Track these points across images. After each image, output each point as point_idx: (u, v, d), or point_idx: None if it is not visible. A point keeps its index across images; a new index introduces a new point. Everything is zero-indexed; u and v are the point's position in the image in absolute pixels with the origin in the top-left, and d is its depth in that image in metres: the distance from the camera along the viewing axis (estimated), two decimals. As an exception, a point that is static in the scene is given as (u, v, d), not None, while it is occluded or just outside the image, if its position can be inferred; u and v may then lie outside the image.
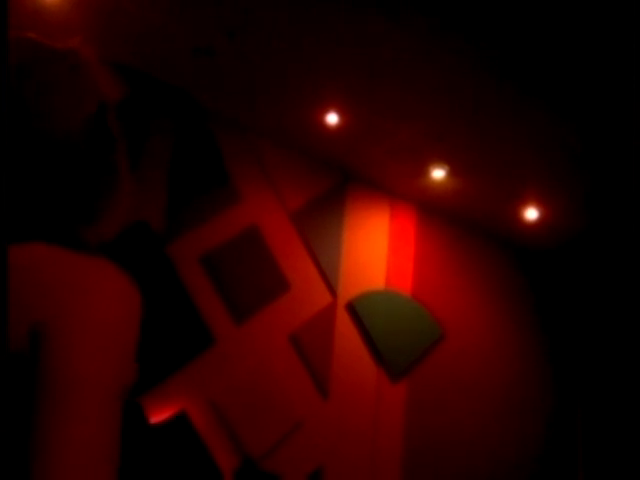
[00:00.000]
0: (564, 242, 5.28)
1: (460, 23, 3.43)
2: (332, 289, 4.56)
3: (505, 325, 5.26)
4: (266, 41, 3.68)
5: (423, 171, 4.64)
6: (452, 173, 4.62)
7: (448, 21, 3.43)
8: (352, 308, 4.59)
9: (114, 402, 0.74)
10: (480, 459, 4.82)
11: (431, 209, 5.10)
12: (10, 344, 0.70)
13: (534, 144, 4.26)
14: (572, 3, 3.21)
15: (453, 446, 4.74)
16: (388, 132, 4.32)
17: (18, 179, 0.81)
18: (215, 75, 3.98)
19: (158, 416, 3.71)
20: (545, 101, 3.89)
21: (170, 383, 3.80)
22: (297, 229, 4.52)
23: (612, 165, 4.32)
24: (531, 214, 4.89)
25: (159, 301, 3.87)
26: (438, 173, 4.62)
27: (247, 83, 4.03)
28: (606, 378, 5.18)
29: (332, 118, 4.23)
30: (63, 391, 0.70)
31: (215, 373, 3.98)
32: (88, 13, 3.51)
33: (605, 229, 4.99)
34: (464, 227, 5.23)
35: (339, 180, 4.78)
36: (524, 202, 4.84)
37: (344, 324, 4.54)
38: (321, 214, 4.65)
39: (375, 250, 4.83)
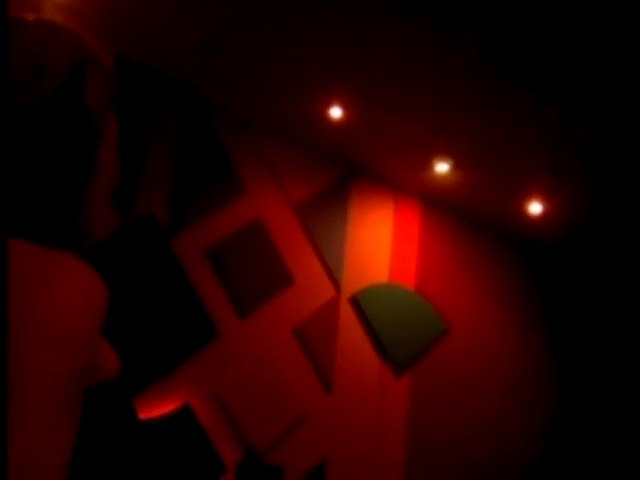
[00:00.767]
0: (568, 236, 5.27)
1: (463, 18, 3.42)
2: (336, 283, 4.56)
3: (509, 319, 5.27)
4: (269, 35, 3.68)
5: (427, 165, 4.64)
6: (456, 167, 4.62)
7: (452, 16, 3.42)
8: (356, 302, 4.60)
9: (67, 392, 0.74)
10: (483, 453, 4.83)
11: (435, 203, 5.09)
12: None
13: (538, 138, 4.25)
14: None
15: (456, 440, 4.74)
16: (392, 126, 4.31)
17: None
18: (219, 69, 3.98)
19: (162, 409, 3.72)
20: (549, 95, 3.88)
21: (174, 376, 3.81)
22: (301, 223, 4.52)
23: (616, 159, 4.31)
24: (535, 208, 4.89)
25: (164, 294, 3.88)
26: (442, 167, 4.62)
27: (251, 77, 4.02)
28: (610, 374, 5.18)
29: (336, 112, 4.22)
30: (18, 387, 0.70)
31: (219, 366, 3.98)
32: (93, 7, 3.51)
33: (609, 223, 4.98)
34: (468, 221, 5.23)
35: (343, 174, 4.78)
36: (528, 196, 4.84)
37: (348, 318, 4.55)
38: (325, 208, 4.65)
39: (379, 244, 4.83)
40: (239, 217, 4.28)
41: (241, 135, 4.40)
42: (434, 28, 3.52)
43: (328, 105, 4.19)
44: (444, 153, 4.53)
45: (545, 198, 4.83)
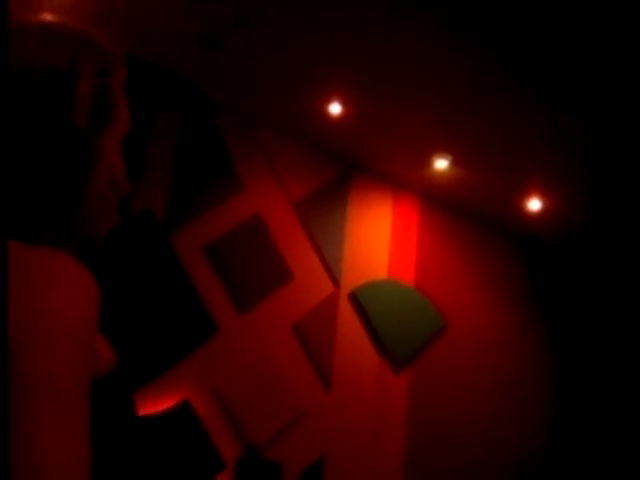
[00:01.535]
0: (567, 233, 5.27)
1: (464, 15, 3.42)
2: (335, 279, 4.56)
3: (508, 316, 5.27)
4: (270, 32, 3.67)
5: (426, 161, 4.64)
6: (455, 163, 4.62)
7: (452, 13, 3.41)
8: (355, 298, 4.60)
9: (76, 394, 0.73)
10: (482, 450, 4.83)
11: (434, 199, 5.09)
12: None
13: (538, 134, 4.25)
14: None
15: (455, 436, 4.75)
16: (391, 122, 4.31)
17: None
18: (219, 66, 3.97)
19: (161, 405, 3.72)
20: (549, 92, 3.87)
21: (173, 372, 3.81)
22: (300, 219, 4.52)
23: (616, 156, 4.31)
24: (534, 205, 4.89)
25: (163, 290, 3.88)
26: (441, 163, 4.62)
27: (251, 74, 4.02)
28: (609, 370, 5.19)
29: (335, 108, 4.22)
30: (22, 388, 0.70)
31: (218, 362, 3.99)
32: (94, 3, 3.50)
33: (609, 220, 4.98)
34: (467, 217, 5.23)
35: (342, 170, 4.78)
36: (527, 193, 4.84)
37: (347, 314, 4.55)
38: (324, 204, 4.65)
39: (378, 240, 4.83)
40: (238, 213, 4.28)
41: (241, 131, 4.39)
42: (434, 25, 3.52)
43: (327, 101, 4.18)
44: (443, 149, 4.53)
45: (545, 194, 4.83)
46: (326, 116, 4.29)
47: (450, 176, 4.76)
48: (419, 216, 5.04)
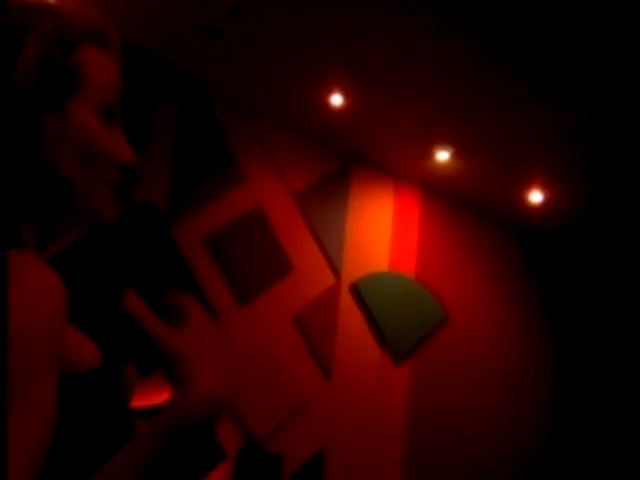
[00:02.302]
0: (569, 225, 5.27)
1: (464, 7, 3.41)
2: (336, 270, 4.56)
3: (508, 308, 5.27)
4: (270, 23, 3.66)
5: (427, 153, 4.63)
6: (456, 155, 4.61)
7: (452, 5, 3.40)
8: (356, 289, 4.60)
9: (38, 390, 0.74)
10: (482, 442, 4.84)
11: (435, 191, 5.09)
12: None
13: (538, 127, 4.24)
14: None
15: (455, 429, 4.75)
16: (393, 114, 4.30)
17: None
18: (219, 57, 3.96)
19: (160, 397, 3.73)
20: (549, 84, 3.87)
21: (174, 363, 3.81)
22: (301, 210, 4.51)
23: (617, 148, 4.30)
24: (536, 197, 4.88)
25: (163, 282, 3.87)
26: (442, 155, 4.61)
27: (252, 65, 4.01)
28: (608, 363, 5.19)
29: (336, 99, 4.21)
30: None
31: (219, 354, 3.98)
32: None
33: (610, 212, 4.97)
34: (468, 209, 5.23)
35: (343, 162, 4.77)
36: (529, 185, 4.83)
37: (348, 305, 4.55)
38: (325, 196, 4.64)
39: (379, 232, 4.83)
40: (239, 205, 4.28)
41: (242, 123, 4.39)
42: (436, 18, 3.51)
43: (329, 92, 4.17)
44: (444, 141, 4.52)
45: (546, 187, 4.82)
46: (327, 107, 4.28)
47: (451, 168, 4.75)
48: (420, 208, 5.04)
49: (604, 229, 5.19)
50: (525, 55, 3.69)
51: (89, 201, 0.92)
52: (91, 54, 0.93)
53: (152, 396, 3.70)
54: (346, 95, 4.18)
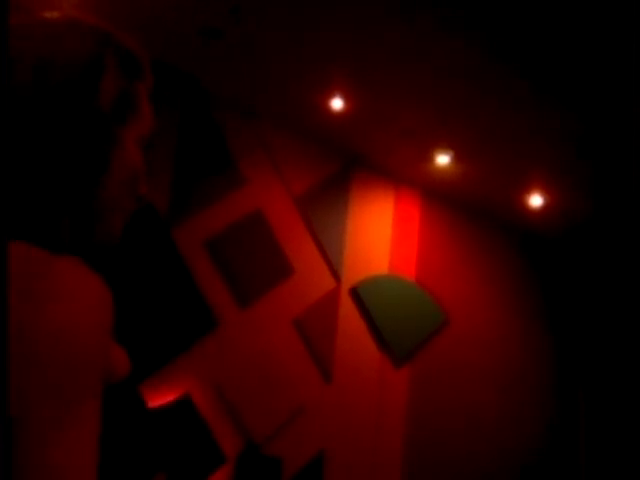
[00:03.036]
0: (569, 229, 5.27)
1: (465, 9, 3.41)
2: (336, 274, 4.56)
3: (509, 311, 5.27)
4: (271, 26, 3.67)
5: (428, 156, 4.63)
6: (457, 159, 4.61)
7: (453, 7, 3.41)
8: (356, 293, 4.60)
9: (82, 404, 0.72)
10: (482, 444, 4.84)
11: (435, 194, 5.09)
12: None
13: (539, 130, 4.24)
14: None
15: (455, 431, 4.75)
16: (393, 117, 4.30)
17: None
18: (220, 59, 3.97)
19: (162, 399, 3.73)
20: (549, 87, 3.87)
21: (174, 366, 3.82)
22: (301, 214, 4.52)
23: (616, 151, 4.30)
24: (536, 201, 4.89)
25: (164, 284, 3.88)
26: (443, 159, 4.61)
27: (252, 68, 4.01)
28: (609, 366, 5.19)
29: (337, 103, 4.21)
30: (22, 398, 0.69)
31: (219, 357, 3.99)
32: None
33: (610, 216, 4.97)
34: (468, 213, 5.23)
35: (344, 165, 4.77)
36: (529, 188, 4.84)
37: (348, 309, 4.55)
38: (325, 199, 4.65)
39: (379, 235, 4.83)
40: (239, 208, 4.28)
41: (242, 125, 4.39)
42: (436, 21, 3.51)
43: (329, 96, 4.18)
44: (445, 145, 4.52)
45: (546, 190, 4.82)
46: (328, 111, 4.28)
47: (451, 172, 4.75)
48: (420, 211, 5.04)
49: (604, 232, 5.19)
50: (526, 57, 3.69)
51: (107, 223, 0.92)
52: (142, 88, 0.98)
53: (157, 396, 3.70)
54: (346, 98, 4.18)
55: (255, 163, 4.40)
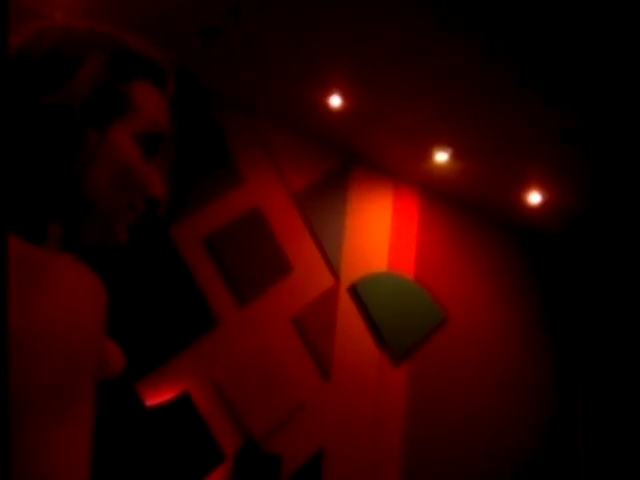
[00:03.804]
0: (567, 226, 5.27)
1: (464, 7, 3.41)
2: (335, 272, 4.56)
3: (508, 309, 5.27)
4: (270, 24, 3.66)
5: (426, 154, 4.63)
6: (455, 156, 4.61)
7: (453, 5, 3.40)
8: (354, 291, 4.60)
9: (77, 401, 0.72)
10: (481, 443, 4.84)
11: (434, 192, 5.09)
12: None
13: (537, 128, 4.24)
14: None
15: (454, 429, 4.76)
16: (391, 115, 4.30)
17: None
18: (219, 57, 3.96)
19: (161, 397, 3.73)
20: (548, 84, 3.87)
21: (173, 364, 3.81)
22: (300, 211, 4.51)
23: (615, 148, 4.30)
24: (534, 198, 4.89)
25: (162, 282, 3.88)
26: (441, 156, 4.61)
27: (250, 65, 4.01)
28: (609, 364, 5.19)
29: (335, 100, 4.21)
30: (22, 404, 0.69)
31: (218, 355, 3.99)
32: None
33: (609, 213, 4.98)
34: (467, 210, 5.23)
35: (342, 163, 4.77)
36: (527, 185, 4.84)
37: (346, 307, 4.55)
38: (324, 196, 4.64)
39: (378, 233, 4.83)
40: (238, 206, 4.28)
41: (241, 123, 4.39)
42: (435, 18, 3.51)
43: (328, 94, 4.17)
44: (443, 142, 4.52)
45: (544, 187, 4.82)
46: (326, 108, 4.28)
47: (450, 169, 4.75)
48: (419, 209, 5.04)
49: (603, 229, 5.19)
50: (524, 55, 3.69)
51: (108, 223, 0.92)
52: (144, 88, 0.98)
53: (156, 394, 3.70)
54: (345, 96, 4.18)
55: (254, 161, 4.40)
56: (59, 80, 0.87)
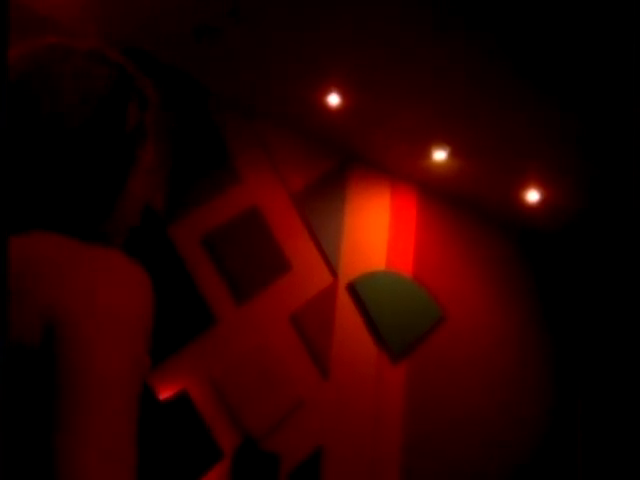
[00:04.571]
0: (565, 224, 5.28)
1: (463, 7, 3.41)
2: (333, 270, 4.57)
3: (506, 307, 5.28)
4: (268, 23, 3.66)
5: (424, 152, 4.64)
6: (453, 155, 4.62)
7: (452, 5, 3.41)
8: (353, 289, 4.61)
9: (133, 397, 0.75)
10: (479, 440, 4.85)
11: (432, 191, 5.10)
12: (23, 339, 0.71)
13: (535, 126, 4.25)
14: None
15: (452, 427, 4.77)
16: (390, 113, 4.31)
17: (30, 172, 0.86)
18: (217, 56, 3.96)
19: (159, 395, 3.74)
20: (546, 83, 3.87)
21: (171, 363, 3.82)
22: (298, 210, 4.52)
23: (613, 146, 4.31)
24: (532, 196, 4.89)
25: (161, 282, 3.88)
26: (439, 155, 4.62)
27: (248, 64, 4.01)
28: (607, 362, 5.20)
29: (333, 99, 4.21)
30: (83, 388, 0.71)
31: (216, 353, 4.00)
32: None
33: (607, 212, 4.98)
34: (465, 209, 5.24)
35: (340, 161, 4.78)
36: (526, 184, 4.84)
37: (345, 305, 4.56)
38: (322, 195, 4.65)
39: (376, 231, 4.84)
40: (236, 204, 4.28)
41: (238, 123, 4.39)
42: (434, 17, 3.51)
43: (326, 92, 4.18)
44: (442, 141, 4.52)
45: (543, 186, 4.83)
46: (324, 107, 4.28)
47: (448, 167, 4.76)
48: (417, 207, 5.05)
49: (602, 227, 5.20)
50: (523, 55, 3.70)
51: (126, 224, 1.02)
52: (150, 119, 1.07)
53: (161, 391, 3.71)
54: (343, 95, 4.18)
55: (251, 160, 4.40)
56: (118, 116, 0.96)
